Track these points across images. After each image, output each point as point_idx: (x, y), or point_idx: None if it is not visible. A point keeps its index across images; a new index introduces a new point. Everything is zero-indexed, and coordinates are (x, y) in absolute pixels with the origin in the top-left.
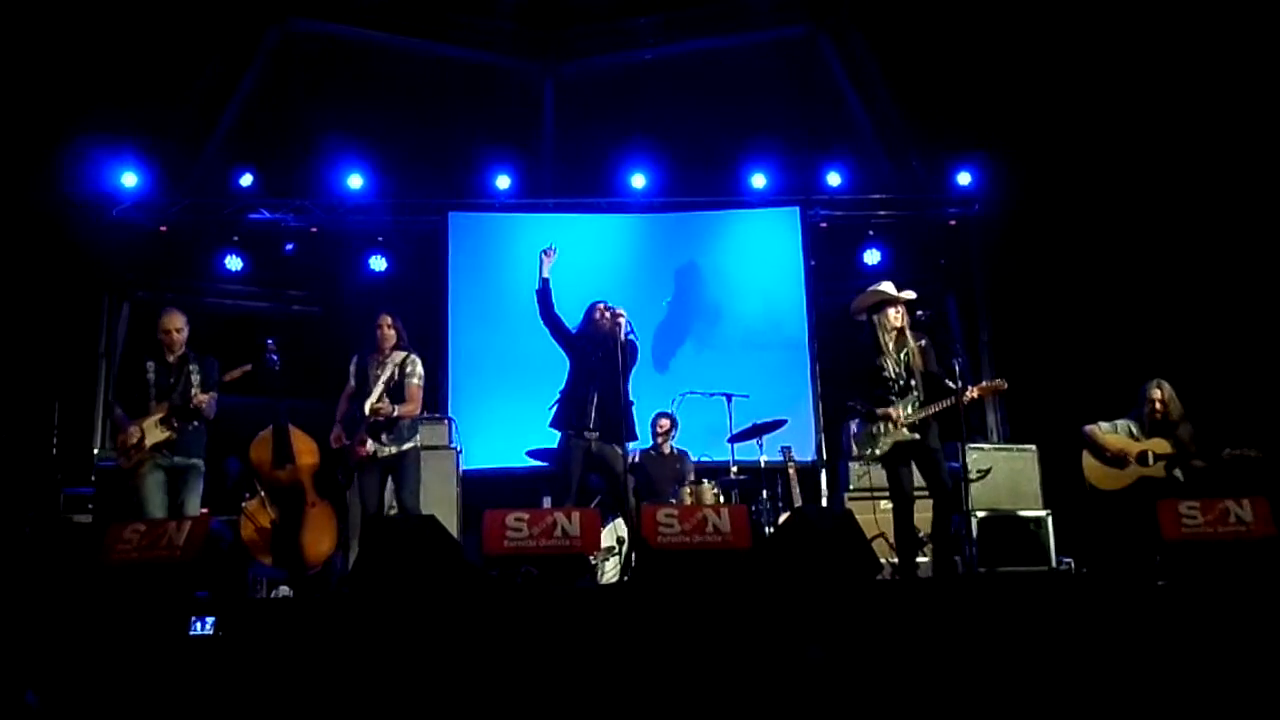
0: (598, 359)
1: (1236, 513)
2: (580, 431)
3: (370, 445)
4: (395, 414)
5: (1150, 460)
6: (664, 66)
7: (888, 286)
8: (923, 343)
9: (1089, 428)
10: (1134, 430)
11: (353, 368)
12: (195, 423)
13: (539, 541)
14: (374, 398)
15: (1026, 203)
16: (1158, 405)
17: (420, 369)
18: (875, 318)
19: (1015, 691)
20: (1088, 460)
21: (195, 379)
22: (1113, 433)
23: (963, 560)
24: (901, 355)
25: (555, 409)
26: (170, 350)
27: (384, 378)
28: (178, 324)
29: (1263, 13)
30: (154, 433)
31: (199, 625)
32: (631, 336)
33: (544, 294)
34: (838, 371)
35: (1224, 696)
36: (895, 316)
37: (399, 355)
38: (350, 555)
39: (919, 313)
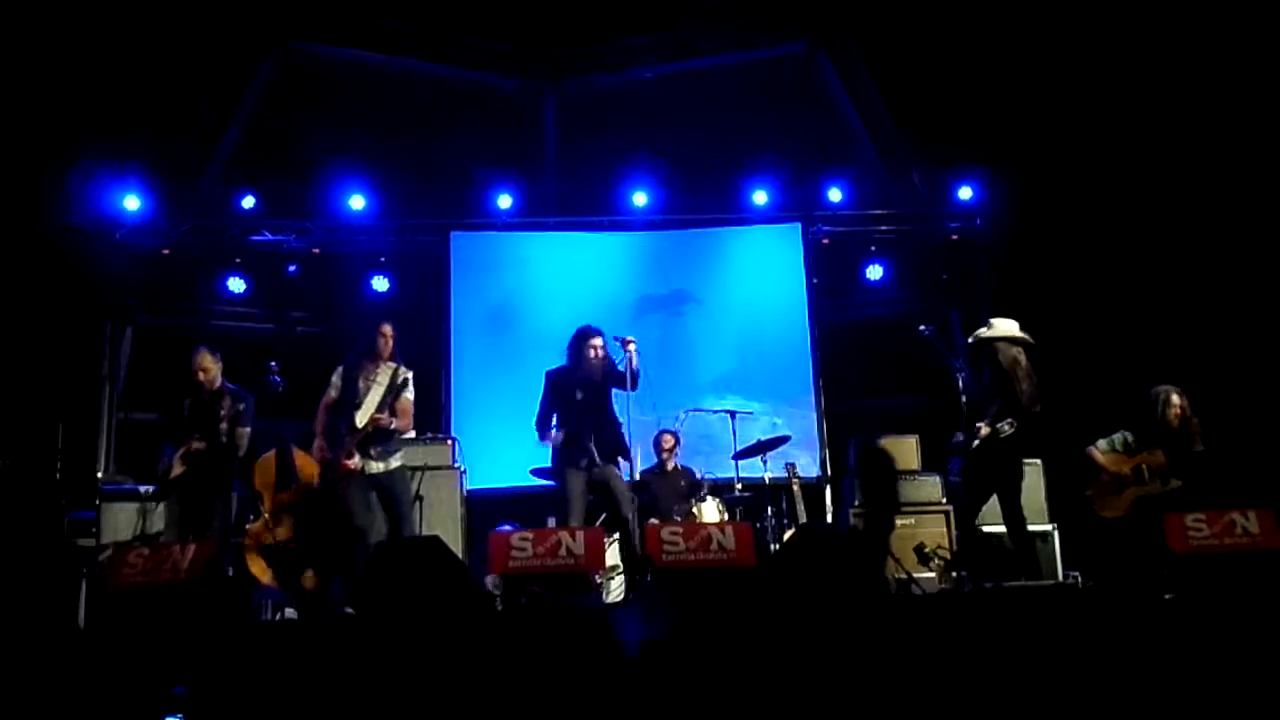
0: (587, 394)
1: (1243, 524)
2: (582, 465)
3: (357, 460)
4: (393, 426)
5: (1146, 475)
6: (664, 84)
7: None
8: None
9: (1089, 450)
10: (1130, 440)
11: (336, 378)
12: (213, 459)
13: (544, 561)
14: (372, 409)
15: (1028, 216)
16: (1177, 411)
17: (411, 382)
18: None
19: (1024, 707)
20: (1090, 490)
21: (224, 415)
22: (1109, 450)
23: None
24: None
25: (552, 449)
26: (205, 387)
27: (382, 389)
28: (205, 364)
29: (1263, 19)
30: (177, 467)
31: None
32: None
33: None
34: (841, 387)
35: (1233, 709)
36: None
37: (391, 366)
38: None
39: (921, 327)
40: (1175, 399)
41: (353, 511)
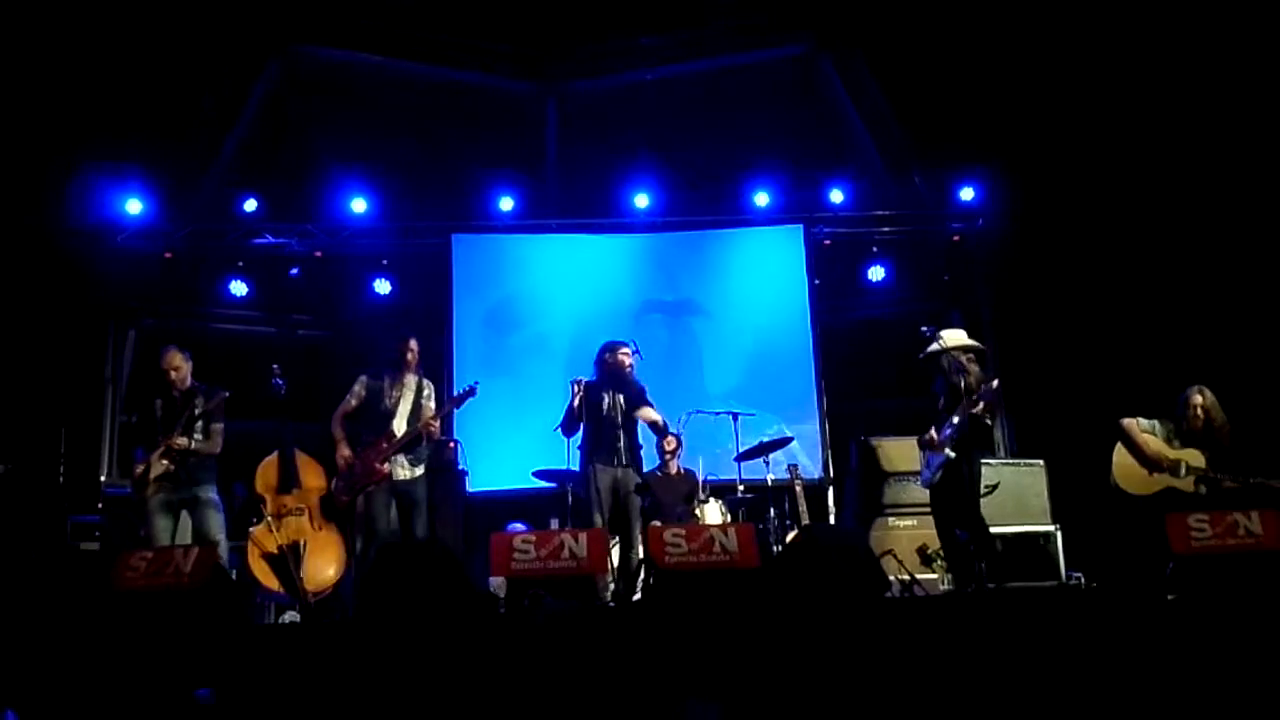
0: (615, 399)
1: (1246, 525)
2: (610, 463)
3: (388, 466)
4: (439, 436)
5: (1182, 472)
6: (666, 86)
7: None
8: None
9: (1126, 421)
10: (1169, 432)
11: (360, 388)
12: (194, 456)
13: (546, 563)
14: (406, 418)
15: (1030, 217)
16: (1198, 411)
17: (433, 394)
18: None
19: (1027, 708)
20: (1121, 457)
21: (197, 412)
22: (1150, 432)
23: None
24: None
25: (581, 446)
26: (176, 386)
27: (411, 399)
28: (175, 362)
29: (1262, 18)
30: (156, 466)
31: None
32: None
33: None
34: (843, 389)
35: (1236, 710)
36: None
37: (415, 378)
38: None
39: (923, 328)
40: (1195, 399)
41: (374, 516)
